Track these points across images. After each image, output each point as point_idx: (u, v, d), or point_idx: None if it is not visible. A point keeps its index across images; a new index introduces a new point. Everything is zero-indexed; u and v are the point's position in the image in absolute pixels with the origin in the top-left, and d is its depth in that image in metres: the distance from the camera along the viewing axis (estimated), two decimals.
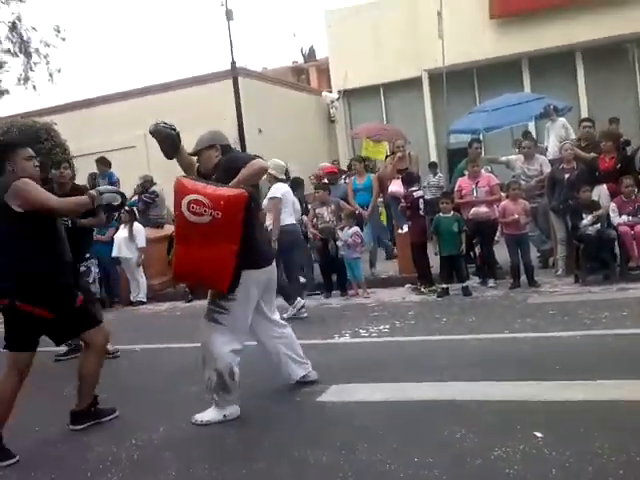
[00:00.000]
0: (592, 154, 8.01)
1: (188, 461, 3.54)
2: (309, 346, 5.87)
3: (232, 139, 13.32)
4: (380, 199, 11.89)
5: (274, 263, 4.35)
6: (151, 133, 4.28)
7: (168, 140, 4.28)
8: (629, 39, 15.77)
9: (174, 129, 4.29)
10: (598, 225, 7.31)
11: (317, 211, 8.80)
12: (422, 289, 7.99)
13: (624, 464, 2.91)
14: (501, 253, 8.07)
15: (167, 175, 5.42)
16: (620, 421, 3.42)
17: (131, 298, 9.89)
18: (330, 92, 19.16)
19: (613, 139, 7.90)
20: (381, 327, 6.41)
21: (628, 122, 9.46)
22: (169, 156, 4.34)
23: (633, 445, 3.09)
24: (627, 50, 16.35)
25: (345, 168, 13.18)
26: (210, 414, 4.09)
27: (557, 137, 9.92)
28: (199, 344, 4.20)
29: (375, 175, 9.93)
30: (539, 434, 3.32)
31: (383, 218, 11.55)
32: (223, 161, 4.15)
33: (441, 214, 7.85)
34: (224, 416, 4.07)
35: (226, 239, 3.79)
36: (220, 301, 4.04)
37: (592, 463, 2.95)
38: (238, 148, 12.37)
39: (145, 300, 9.83)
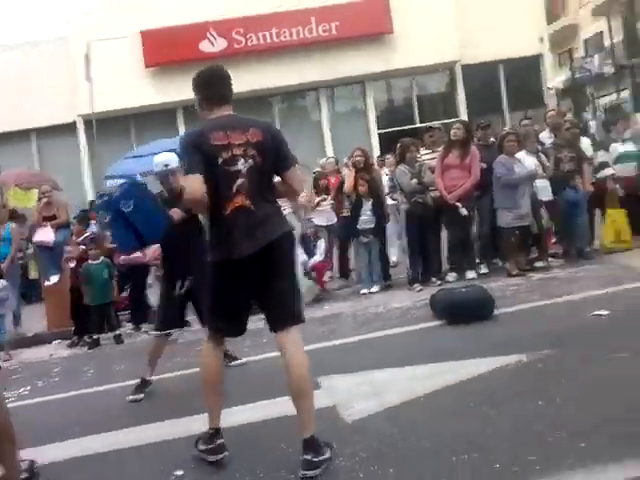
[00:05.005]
0: None
1: None
2: None
3: None
4: (29, 250, 10.95)
5: None
6: None
7: None
8: (273, 93, 17.53)
9: None
10: None
11: None
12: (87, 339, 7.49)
13: None
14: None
15: None
16: (260, 441, 3.58)
17: None
18: None
19: None
20: (21, 390, 5.79)
21: None
22: None
23: (270, 460, 3.28)
24: (271, 103, 18.11)
25: None
26: None
27: None
28: None
29: (13, 224, 9.10)
30: (179, 472, 3.33)
31: (34, 270, 10.69)
32: None
33: (90, 261, 7.52)
34: None
35: None
36: None
37: None
38: None
39: None
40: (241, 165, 3.19)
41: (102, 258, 7.58)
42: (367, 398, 3.97)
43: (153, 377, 5.04)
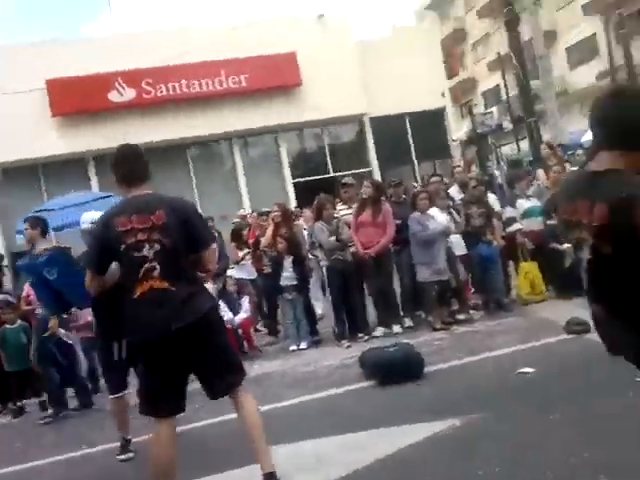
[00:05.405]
0: None
1: None
2: None
3: None
4: None
5: None
6: None
7: None
8: (186, 142, 17.50)
9: None
10: None
11: None
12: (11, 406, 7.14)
13: None
14: None
15: None
16: None
17: None
18: None
19: None
20: None
21: None
22: None
23: None
24: (185, 153, 18.05)
25: None
26: None
27: None
28: None
29: None
30: None
31: None
32: None
33: (7, 325, 7.24)
34: None
35: None
36: None
37: None
38: None
39: None
40: (146, 251, 3.25)
41: (19, 322, 7.32)
42: (307, 472, 3.90)
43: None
